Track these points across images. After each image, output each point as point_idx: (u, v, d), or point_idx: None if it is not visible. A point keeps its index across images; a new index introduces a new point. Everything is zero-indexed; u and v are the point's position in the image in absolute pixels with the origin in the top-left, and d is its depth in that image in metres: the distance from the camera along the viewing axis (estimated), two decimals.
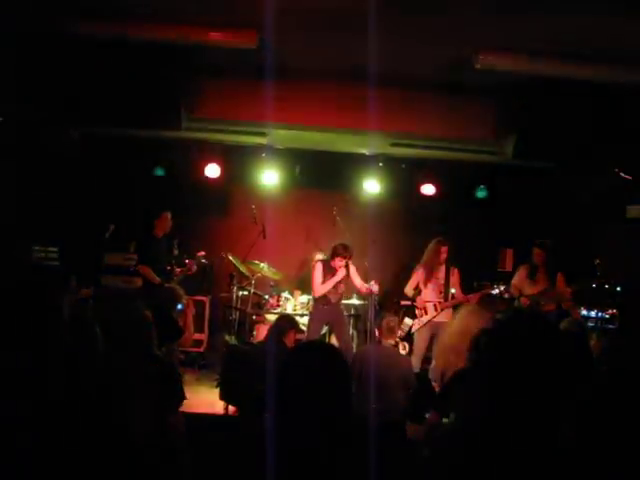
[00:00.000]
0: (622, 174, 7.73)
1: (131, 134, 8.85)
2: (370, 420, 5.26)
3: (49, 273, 3.29)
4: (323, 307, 7.76)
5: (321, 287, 7.72)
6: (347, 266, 7.67)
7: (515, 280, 7.87)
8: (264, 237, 9.04)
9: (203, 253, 8.44)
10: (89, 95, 6.83)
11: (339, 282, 7.70)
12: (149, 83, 6.93)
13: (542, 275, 7.71)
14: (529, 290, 7.71)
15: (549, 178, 9.21)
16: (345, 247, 7.64)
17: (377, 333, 6.19)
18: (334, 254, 7.66)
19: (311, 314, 7.97)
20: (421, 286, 8.02)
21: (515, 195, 9.59)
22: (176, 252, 8.46)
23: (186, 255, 8.57)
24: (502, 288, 7.79)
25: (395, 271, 9.98)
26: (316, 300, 7.86)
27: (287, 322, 5.93)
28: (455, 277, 8.04)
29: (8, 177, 8.18)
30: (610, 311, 8.49)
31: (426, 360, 7.77)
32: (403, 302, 8.78)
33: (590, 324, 8.35)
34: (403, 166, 9.54)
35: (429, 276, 7.99)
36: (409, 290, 8.12)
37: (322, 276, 7.73)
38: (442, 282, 7.96)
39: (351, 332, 8.83)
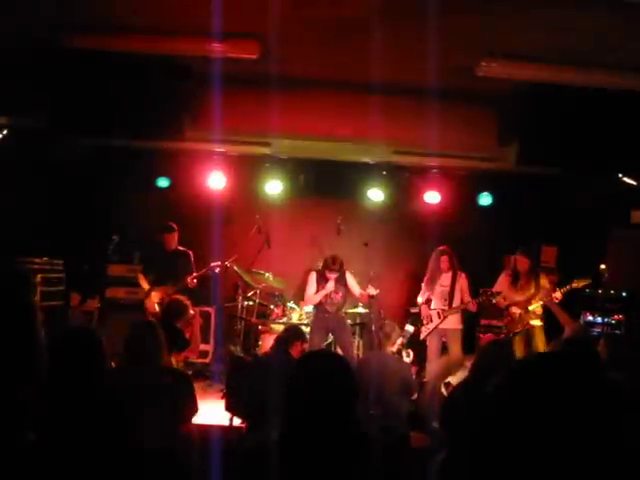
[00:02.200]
0: (625, 179, 7.71)
1: (135, 145, 8.86)
2: (372, 428, 5.26)
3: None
4: (323, 316, 7.80)
5: (310, 298, 7.82)
6: (337, 279, 7.71)
7: (497, 289, 7.86)
8: (268, 246, 9.03)
9: (218, 263, 8.39)
10: (92, 106, 6.84)
11: (335, 292, 7.74)
12: (152, 93, 6.94)
13: (525, 282, 7.71)
14: (514, 298, 7.72)
15: (553, 184, 9.20)
16: (334, 260, 7.66)
17: (377, 341, 6.22)
18: (324, 267, 7.72)
19: (312, 323, 8.00)
20: (429, 294, 8.08)
21: (519, 201, 9.58)
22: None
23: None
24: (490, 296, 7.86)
25: (400, 279, 9.98)
26: (315, 309, 7.90)
27: (293, 333, 5.91)
28: (461, 283, 8.06)
29: (12, 189, 8.20)
30: (616, 317, 8.46)
31: None
32: (413, 310, 8.86)
33: (596, 330, 8.33)
34: (407, 174, 9.54)
35: (434, 284, 8.08)
36: (421, 298, 8.23)
37: (315, 286, 7.77)
38: (447, 289, 8.01)
39: (357, 340, 8.83)
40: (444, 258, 8.03)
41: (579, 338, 5.16)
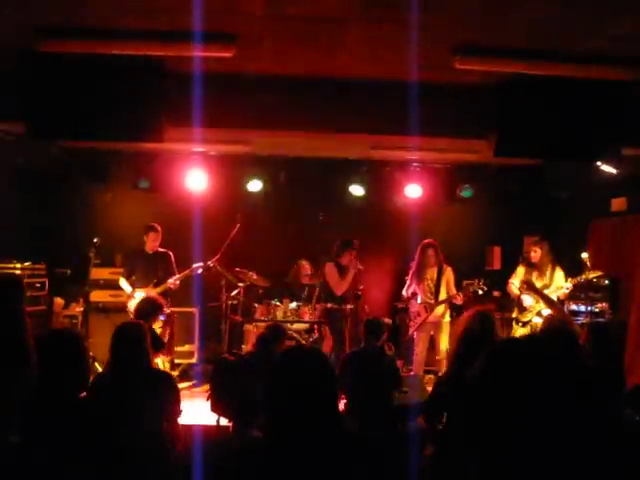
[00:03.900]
0: (604, 168, 7.75)
1: (114, 147, 8.81)
2: (358, 424, 5.25)
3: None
4: (339, 308, 7.87)
5: (342, 283, 7.84)
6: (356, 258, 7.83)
7: (516, 278, 7.84)
8: (242, 234, 9.00)
9: (200, 264, 8.39)
10: (69, 110, 6.78)
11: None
12: (129, 94, 6.88)
13: (541, 272, 7.71)
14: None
15: (533, 175, 9.23)
16: (351, 241, 7.72)
17: (362, 336, 6.24)
18: (343, 250, 7.73)
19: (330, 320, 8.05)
20: (415, 288, 8.09)
21: (500, 193, 9.61)
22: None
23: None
24: (482, 285, 7.89)
25: (382, 273, 9.98)
26: (334, 302, 7.94)
27: (275, 331, 5.89)
28: (447, 276, 8.08)
29: None
30: (599, 305, 8.51)
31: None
32: (400, 305, 8.88)
33: (580, 318, 8.38)
34: (387, 169, 9.53)
35: (420, 278, 8.09)
36: (405, 292, 8.20)
37: (337, 274, 7.81)
38: (433, 283, 8.03)
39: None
40: (430, 252, 8.04)
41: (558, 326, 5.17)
